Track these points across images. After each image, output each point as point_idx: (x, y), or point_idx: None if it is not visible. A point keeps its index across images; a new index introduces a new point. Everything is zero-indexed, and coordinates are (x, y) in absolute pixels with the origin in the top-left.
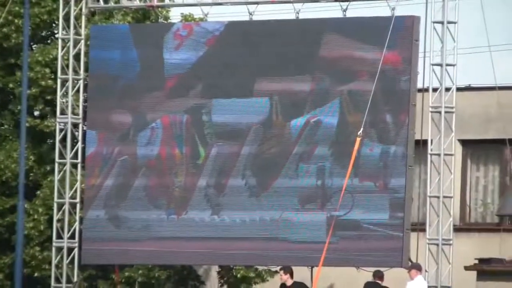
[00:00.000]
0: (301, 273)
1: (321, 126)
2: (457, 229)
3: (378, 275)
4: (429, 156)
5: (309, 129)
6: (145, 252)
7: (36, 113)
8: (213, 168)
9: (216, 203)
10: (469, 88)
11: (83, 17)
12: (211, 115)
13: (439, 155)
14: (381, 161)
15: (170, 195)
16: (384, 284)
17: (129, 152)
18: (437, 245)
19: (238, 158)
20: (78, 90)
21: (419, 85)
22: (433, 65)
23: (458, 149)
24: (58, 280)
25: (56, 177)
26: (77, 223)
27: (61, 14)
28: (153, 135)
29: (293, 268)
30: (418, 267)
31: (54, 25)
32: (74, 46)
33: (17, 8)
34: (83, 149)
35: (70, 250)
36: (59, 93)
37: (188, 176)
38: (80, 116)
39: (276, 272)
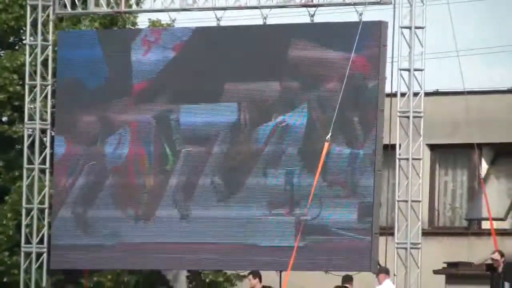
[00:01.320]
0: (269, 277)
1: (289, 130)
2: (425, 233)
3: (348, 279)
4: (397, 160)
5: (278, 133)
6: (113, 257)
7: (4, 119)
8: (181, 173)
9: (184, 208)
10: (437, 93)
11: (51, 23)
12: (179, 120)
13: (407, 159)
14: (349, 166)
15: (138, 200)
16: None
17: (97, 157)
18: (406, 249)
19: (206, 163)
20: (46, 96)
21: (387, 89)
22: (401, 70)
23: (426, 154)
24: (27, 285)
25: (25, 182)
26: (45, 228)
27: (28, 20)
28: (121, 140)
29: (262, 272)
30: (386, 271)
31: (22, 31)
32: (42, 52)
33: None
34: (51, 154)
35: (39, 255)
36: (27, 99)
37: (156, 181)
38: (48, 122)
39: (245, 276)
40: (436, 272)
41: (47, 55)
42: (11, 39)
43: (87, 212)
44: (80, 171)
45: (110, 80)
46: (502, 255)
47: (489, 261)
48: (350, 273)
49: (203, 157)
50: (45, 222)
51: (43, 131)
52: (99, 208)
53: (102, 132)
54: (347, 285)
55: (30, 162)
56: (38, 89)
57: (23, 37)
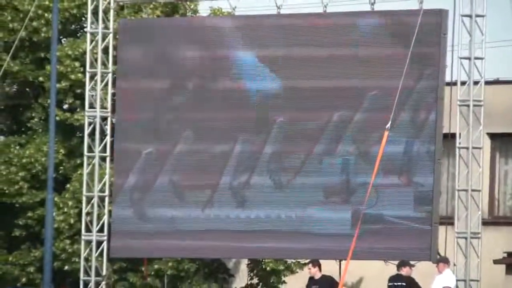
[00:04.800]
0: (329, 266)
1: (345, 121)
2: (485, 223)
3: (401, 264)
4: (457, 149)
5: (334, 124)
6: (173, 245)
7: (66, 106)
8: (238, 164)
9: (241, 199)
10: (497, 82)
11: (112, 11)
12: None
13: (467, 148)
14: (407, 155)
15: (196, 190)
16: (412, 276)
17: (154, 145)
18: (466, 238)
19: (262, 153)
20: (106, 84)
21: (448, 78)
22: (461, 58)
23: (486, 143)
24: (87, 273)
25: (85, 170)
26: (105, 217)
27: (89, 8)
28: (181, 130)
29: (321, 261)
30: (446, 261)
31: (83, 19)
32: (103, 40)
33: (46, 2)
34: (112, 142)
35: (99, 243)
36: (87, 87)
37: (212, 172)
38: (109, 109)
39: (305, 264)
40: (496, 262)
41: (108, 43)
42: (73, 27)
43: (146, 201)
44: (139, 160)
45: (171, 69)
46: None
47: None
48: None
49: (258, 148)
50: (106, 210)
51: (104, 119)
52: (157, 198)
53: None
54: (400, 272)
55: (90, 150)
56: (98, 77)
57: (85, 25)
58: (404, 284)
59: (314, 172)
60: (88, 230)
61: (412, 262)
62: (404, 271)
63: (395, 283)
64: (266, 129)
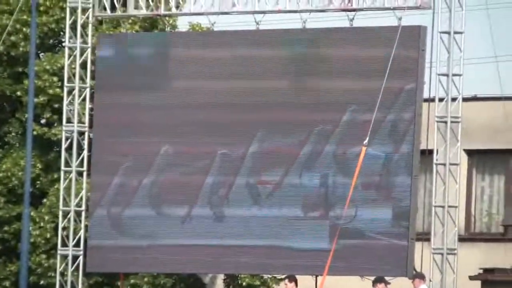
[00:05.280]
0: (305, 282)
1: (325, 132)
2: (462, 239)
3: (377, 280)
4: (434, 165)
5: (314, 135)
6: (150, 260)
7: (43, 121)
8: (217, 170)
9: (219, 210)
10: (475, 98)
11: (90, 26)
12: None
13: (444, 164)
14: (385, 169)
15: (173, 199)
16: None
17: (133, 157)
18: (442, 254)
19: (243, 161)
20: (84, 99)
21: (425, 94)
22: (439, 75)
23: (463, 159)
24: None
25: (62, 185)
26: (82, 231)
27: (68, 23)
28: (158, 139)
29: (298, 277)
30: (421, 277)
31: (61, 33)
32: (81, 55)
33: (24, 17)
34: (89, 157)
35: (76, 258)
36: (65, 102)
37: (193, 180)
38: (86, 124)
39: (282, 279)
40: (472, 278)
41: (86, 58)
42: (51, 41)
43: (123, 215)
44: (116, 171)
45: (150, 80)
46: None
47: None
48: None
49: (239, 158)
50: (82, 225)
51: (81, 134)
52: (135, 210)
53: (139, 132)
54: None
55: (67, 164)
56: (76, 91)
57: (63, 40)
58: None
59: (292, 186)
60: (64, 244)
61: (388, 279)
62: (379, 287)
63: None
64: (248, 133)
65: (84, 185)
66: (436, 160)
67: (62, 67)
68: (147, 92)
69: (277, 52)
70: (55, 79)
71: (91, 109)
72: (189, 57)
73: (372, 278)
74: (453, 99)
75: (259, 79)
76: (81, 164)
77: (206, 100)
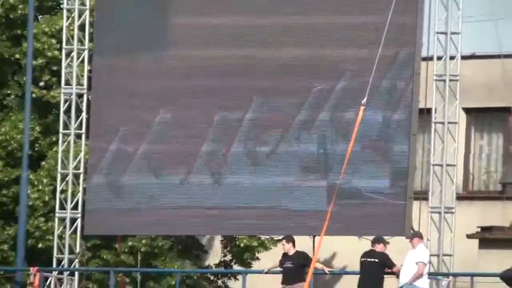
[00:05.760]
0: (303, 242)
1: (323, 96)
2: (460, 198)
3: (376, 241)
4: (433, 124)
5: (311, 99)
6: (147, 222)
7: (42, 84)
8: (214, 135)
9: (217, 170)
10: (473, 57)
11: None
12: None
13: (443, 123)
14: (383, 130)
15: (171, 163)
16: (387, 252)
17: (131, 120)
18: (440, 213)
19: (240, 126)
20: (83, 61)
21: (424, 53)
22: (437, 33)
23: (462, 117)
24: (61, 251)
25: (60, 147)
26: (80, 194)
27: None
28: (154, 106)
29: (295, 237)
30: (419, 236)
31: None
32: (79, 17)
33: None
34: (88, 119)
35: (73, 220)
36: (64, 64)
37: (190, 144)
38: (85, 86)
39: (279, 240)
40: (469, 236)
41: (85, 20)
42: (50, 3)
43: (121, 177)
44: (114, 135)
45: (148, 44)
46: None
47: None
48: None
49: (236, 120)
50: (80, 188)
51: (80, 96)
52: (132, 173)
53: (137, 96)
54: (373, 248)
55: (66, 127)
56: (75, 54)
57: (61, 2)
58: (376, 260)
59: (291, 144)
60: (63, 207)
61: (386, 238)
62: (378, 247)
63: (367, 259)
64: (245, 99)
65: (83, 148)
66: (435, 118)
67: (61, 29)
68: (145, 56)
69: (273, 21)
70: (53, 41)
71: (89, 72)
72: (187, 24)
73: (370, 238)
74: (452, 58)
75: (255, 47)
76: (79, 127)
77: (203, 66)
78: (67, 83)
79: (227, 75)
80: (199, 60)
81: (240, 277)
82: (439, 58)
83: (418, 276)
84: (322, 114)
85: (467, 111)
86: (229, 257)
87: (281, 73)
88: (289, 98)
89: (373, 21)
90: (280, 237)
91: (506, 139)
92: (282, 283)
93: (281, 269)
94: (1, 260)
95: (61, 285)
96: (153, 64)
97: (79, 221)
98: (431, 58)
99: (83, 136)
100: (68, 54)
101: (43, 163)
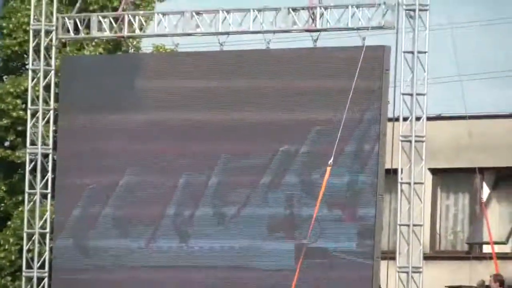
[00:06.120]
0: None
1: (289, 155)
2: (427, 257)
3: None
4: (399, 184)
5: (278, 158)
6: (114, 281)
7: (7, 144)
8: (182, 197)
9: (184, 232)
10: (439, 118)
11: (54, 48)
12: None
13: (409, 183)
14: (350, 190)
15: (138, 223)
16: None
17: (97, 181)
18: (407, 273)
19: (206, 188)
20: (48, 121)
21: (390, 114)
22: (403, 94)
23: (428, 178)
24: None
25: (26, 207)
26: (47, 253)
27: (31, 45)
28: (119, 168)
29: None
30: None
31: (25, 56)
32: (45, 77)
33: None
34: (53, 179)
35: (41, 280)
36: (29, 124)
37: (156, 205)
38: (51, 146)
39: None
40: None
41: (50, 80)
42: (15, 64)
43: (87, 237)
44: (80, 195)
45: (113, 105)
46: (501, 282)
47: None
48: None
49: (203, 181)
50: (47, 247)
51: (45, 156)
52: (99, 233)
53: (102, 156)
54: None
55: (32, 187)
56: (40, 114)
57: (27, 62)
58: None
59: (258, 205)
60: (29, 267)
61: None
62: None
63: None
64: (211, 162)
65: (49, 207)
66: (401, 179)
67: (26, 90)
68: (111, 117)
69: (238, 84)
70: (18, 101)
71: (55, 131)
72: (152, 86)
73: None
74: (417, 118)
75: (220, 110)
76: (45, 187)
77: (168, 128)
78: (32, 143)
79: (193, 138)
80: (164, 122)
81: None
82: (405, 119)
83: None
84: (288, 176)
85: (433, 171)
86: None
87: (246, 136)
88: (255, 160)
89: (339, 85)
90: None
91: (473, 199)
92: None
93: None
94: None
95: None
96: (119, 125)
97: (46, 280)
98: (397, 119)
99: (49, 196)
100: (33, 115)
101: (9, 222)
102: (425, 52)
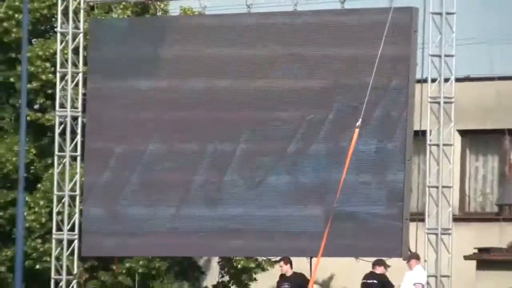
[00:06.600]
0: (300, 264)
1: (317, 123)
2: (456, 219)
3: (377, 263)
4: (428, 146)
5: (306, 125)
6: (144, 244)
7: (37, 106)
8: (210, 164)
9: (212, 199)
10: (467, 79)
11: (82, 11)
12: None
13: (438, 145)
14: (379, 153)
15: (167, 190)
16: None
17: (125, 146)
18: (436, 234)
19: (234, 154)
20: (77, 84)
21: (418, 76)
22: (431, 56)
23: (457, 139)
24: (58, 272)
25: (56, 170)
26: (76, 216)
27: (59, 9)
28: (152, 131)
29: (292, 259)
30: (417, 257)
31: (53, 19)
32: (73, 40)
33: (17, 3)
34: (83, 142)
35: (70, 242)
36: (58, 87)
37: (184, 172)
38: (80, 109)
39: (276, 262)
40: (467, 257)
41: (78, 43)
42: (44, 27)
43: (118, 200)
44: (111, 159)
45: (141, 69)
46: None
47: None
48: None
49: (232, 148)
50: (76, 209)
51: (75, 119)
52: (129, 197)
53: (130, 121)
54: (373, 270)
55: (61, 149)
56: (69, 77)
57: (55, 26)
58: (375, 281)
59: (286, 172)
60: (59, 229)
61: (386, 261)
62: (379, 270)
63: (367, 281)
64: (238, 129)
65: (78, 170)
66: (430, 141)
67: (55, 53)
68: (138, 81)
69: (264, 52)
70: (47, 64)
71: (84, 94)
72: (180, 54)
73: (367, 259)
74: (446, 80)
75: (247, 78)
76: (75, 149)
77: (195, 96)
78: (62, 106)
79: (220, 105)
80: (191, 88)
81: None
82: (433, 81)
83: None
84: (316, 144)
85: (462, 133)
86: (226, 278)
87: (274, 104)
88: (282, 128)
89: (367, 48)
90: (278, 259)
91: (502, 161)
92: None
93: None
94: (0, 282)
95: None
96: (147, 90)
97: (76, 242)
98: (425, 81)
99: (78, 158)
100: (62, 78)
101: (39, 185)
102: (453, 13)
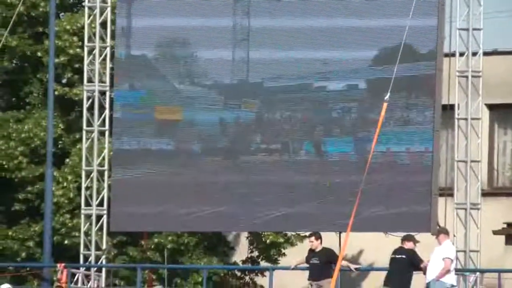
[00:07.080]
0: (329, 238)
1: (348, 94)
2: (485, 194)
3: (406, 239)
4: (456, 120)
5: (339, 95)
6: (173, 218)
7: (64, 81)
8: (240, 133)
9: (244, 168)
10: (495, 53)
11: None
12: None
13: (466, 119)
14: (408, 126)
15: (198, 161)
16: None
17: (158, 116)
18: (465, 209)
19: (262, 124)
20: (105, 58)
21: (446, 50)
22: (459, 29)
23: (485, 113)
24: (87, 247)
25: (84, 144)
26: (105, 191)
27: None
28: (185, 98)
29: (322, 234)
30: (446, 232)
31: None
32: (101, 14)
33: None
34: (111, 116)
35: (99, 217)
36: (86, 61)
37: (215, 142)
38: (107, 83)
39: (305, 237)
40: (495, 232)
41: (106, 17)
42: (71, 1)
43: (146, 174)
44: (138, 133)
45: (169, 45)
46: None
47: None
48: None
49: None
50: (105, 184)
51: (102, 93)
52: (158, 171)
53: (160, 95)
54: (402, 245)
55: (89, 124)
56: (97, 51)
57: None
58: (404, 257)
59: (314, 153)
60: (88, 204)
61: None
62: (407, 245)
63: (396, 256)
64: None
65: (106, 145)
66: (458, 115)
67: (82, 27)
68: (167, 56)
69: (299, 24)
70: (75, 39)
71: (111, 69)
72: (207, 25)
73: (396, 234)
74: (474, 54)
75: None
76: (103, 124)
77: (221, 68)
78: (90, 80)
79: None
80: (219, 62)
81: (267, 273)
82: (461, 55)
83: (445, 272)
84: (350, 114)
85: (490, 107)
86: (255, 253)
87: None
88: (322, 94)
89: (397, 21)
90: (307, 234)
91: None
92: (309, 279)
93: (308, 265)
94: (28, 257)
95: (88, 281)
96: (176, 63)
97: (105, 217)
98: (453, 55)
99: (107, 133)
100: (90, 52)
101: (67, 160)
102: None
